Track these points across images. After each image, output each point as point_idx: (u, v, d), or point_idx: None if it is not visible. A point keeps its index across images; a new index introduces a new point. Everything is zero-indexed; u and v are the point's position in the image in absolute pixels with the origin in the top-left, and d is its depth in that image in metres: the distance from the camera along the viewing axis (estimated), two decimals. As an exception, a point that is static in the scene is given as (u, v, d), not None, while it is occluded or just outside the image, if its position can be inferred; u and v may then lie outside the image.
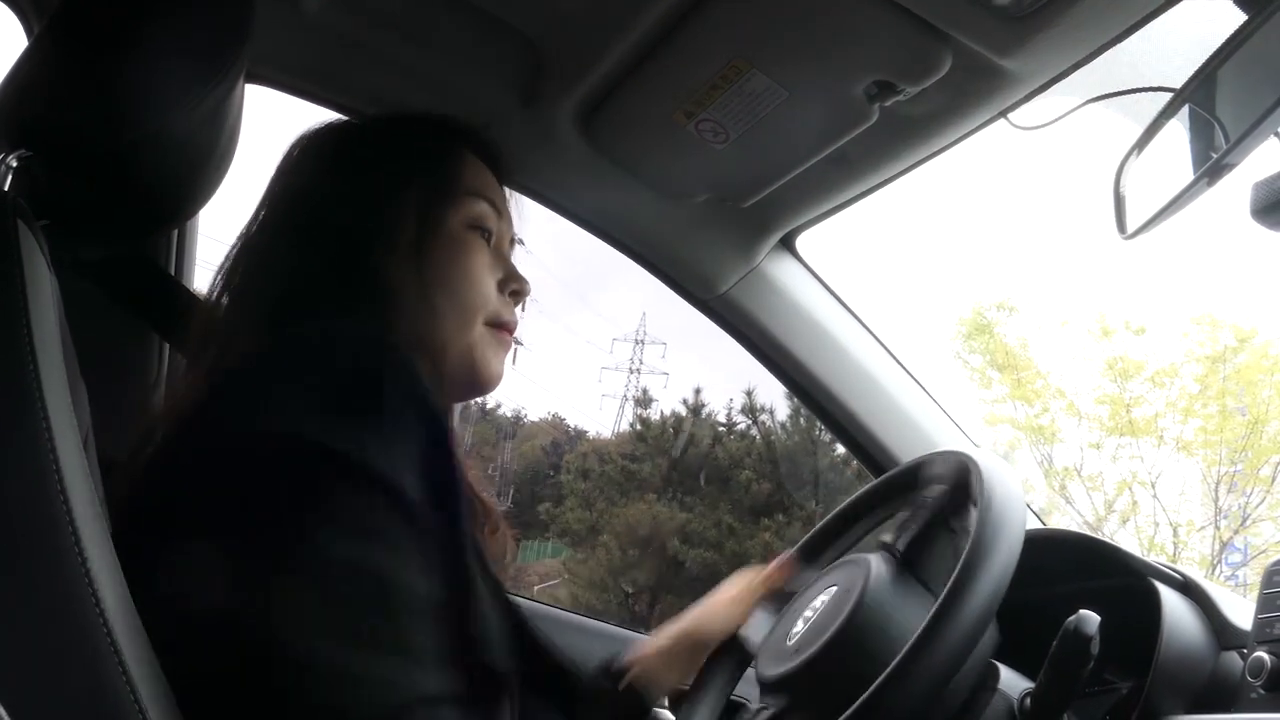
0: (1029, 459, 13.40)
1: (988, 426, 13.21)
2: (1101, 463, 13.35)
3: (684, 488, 13.82)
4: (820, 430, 12.98)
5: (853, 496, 1.52)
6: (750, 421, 13.66)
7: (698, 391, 14.31)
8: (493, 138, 1.34)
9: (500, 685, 1.12)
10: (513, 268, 1.31)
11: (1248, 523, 12.74)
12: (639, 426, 15.33)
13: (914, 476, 1.41)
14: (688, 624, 1.47)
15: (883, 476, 1.49)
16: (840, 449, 12.97)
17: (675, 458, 14.11)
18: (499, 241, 1.31)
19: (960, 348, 13.62)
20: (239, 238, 1.26)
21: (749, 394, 13.91)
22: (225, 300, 1.23)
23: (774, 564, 1.50)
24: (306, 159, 1.29)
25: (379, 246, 1.19)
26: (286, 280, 1.17)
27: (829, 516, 1.52)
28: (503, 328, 1.27)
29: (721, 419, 14.82)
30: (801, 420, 13.30)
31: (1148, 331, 13.17)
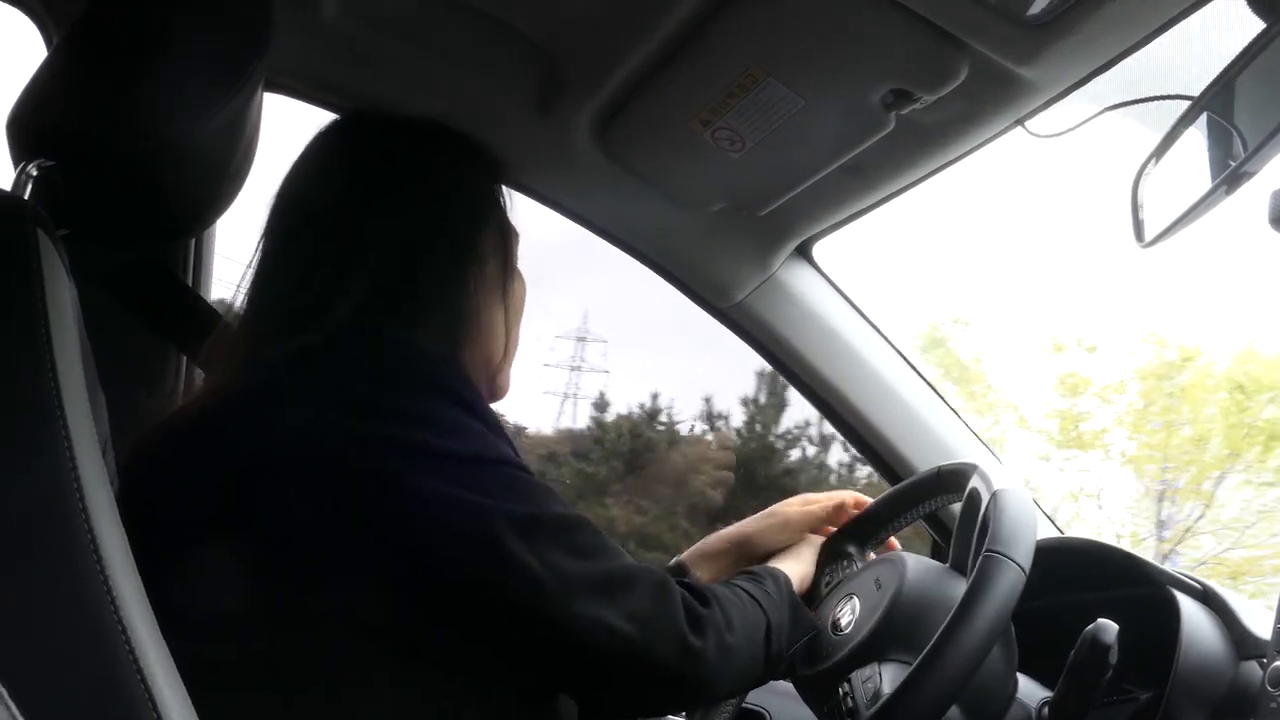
0: (979, 469, 13.53)
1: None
2: (1050, 475, 13.49)
3: (639, 491, 13.74)
4: (775, 438, 13.04)
5: (903, 483, 1.53)
6: (708, 427, 13.61)
7: (655, 396, 14.20)
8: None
9: None
10: None
11: (1188, 535, 12.86)
12: (595, 429, 15.22)
13: (948, 479, 1.42)
14: (741, 531, 1.51)
15: (933, 469, 1.48)
16: (794, 455, 13.16)
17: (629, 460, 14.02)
18: None
19: (916, 360, 13.78)
20: (274, 240, 1.23)
21: (707, 400, 13.84)
22: (254, 310, 1.21)
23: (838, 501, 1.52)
24: (374, 159, 1.25)
25: (473, 275, 1.22)
26: (355, 296, 1.15)
27: (880, 499, 1.52)
28: None
29: (664, 420, 14.67)
30: (758, 427, 13.33)
31: (1099, 349, 13.36)
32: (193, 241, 1.71)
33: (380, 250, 1.17)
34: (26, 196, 1.01)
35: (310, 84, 1.65)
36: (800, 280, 1.92)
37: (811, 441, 13.41)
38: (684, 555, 1.51)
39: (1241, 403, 12.55)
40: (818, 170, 1.62)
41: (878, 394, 1.94)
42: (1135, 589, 1.41)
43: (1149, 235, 1.30)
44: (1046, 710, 1.22)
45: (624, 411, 14.48)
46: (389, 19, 1.58)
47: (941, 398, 1.98)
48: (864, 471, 12.96)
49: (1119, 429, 13.32)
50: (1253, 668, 1.29)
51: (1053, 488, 13.18)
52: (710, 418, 13.15)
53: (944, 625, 1.12)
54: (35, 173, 1.02)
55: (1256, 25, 1.16)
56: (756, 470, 12.94)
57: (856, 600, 1.32)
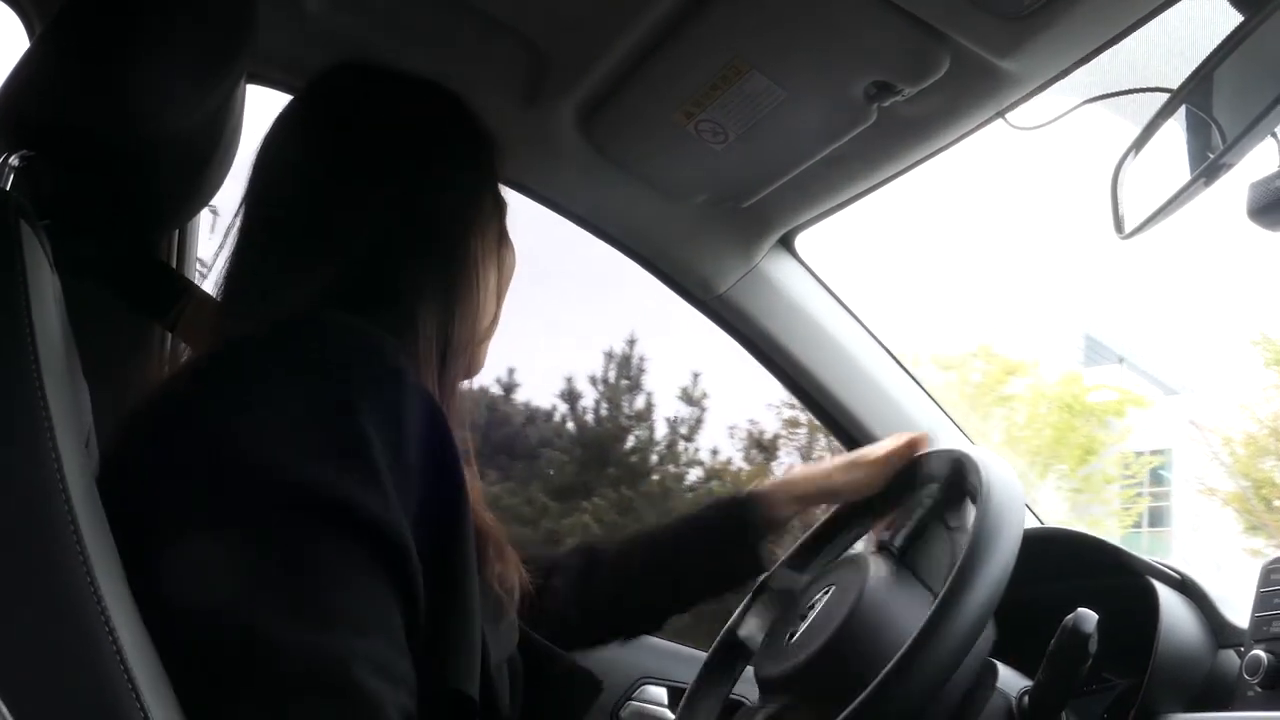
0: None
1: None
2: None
3: (494, 464, 13.55)
4: (624, 417, 13.23)
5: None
6: (570, 406, 13.55)
7: (511, 371, 14.10)
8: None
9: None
10: None
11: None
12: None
13: (909, 476, 1.42)
14: (828, 472, 1.50)
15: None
16: (643, 435, 13.42)
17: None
18: None
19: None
20: (251, 220, 1.14)
21: (569, 380, 13.82)
22: (238, 291, 1.11)
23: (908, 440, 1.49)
24: (364, 113, 1.17)
25: (474, 244, 1.15)
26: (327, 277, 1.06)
27: (821, 520, 1.52)
28: None
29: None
30: (605, 409, 13.45)
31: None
32: (175, 233, 1.71)
33: (370, 219, 1.09)
34: (8, 188, 1.01)
35: (293, 76, 1.64)
36: (783, 272, 1.93)
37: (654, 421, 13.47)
38: (769, 487, 1.50)
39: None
40: (800, 162, 1.63)
41: (861, 386, 1.95)
42: (1115, 578, 1.42)
43: (1129, 227, 1.31)
44: (1026, 699, 1.22)
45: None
46: (372, 10, 1.57)
47: (923, 388, 1.98)
48: (695, 447, 13.12)
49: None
50: (1230, 656, 1.30)
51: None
52: (571, 396, 13.15)
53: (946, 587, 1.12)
54: (17, 164, 1.02)
55: (1235, 18, 1.17)
56: (607, 449, 12.97)
57: (810, 613, 1.30)
